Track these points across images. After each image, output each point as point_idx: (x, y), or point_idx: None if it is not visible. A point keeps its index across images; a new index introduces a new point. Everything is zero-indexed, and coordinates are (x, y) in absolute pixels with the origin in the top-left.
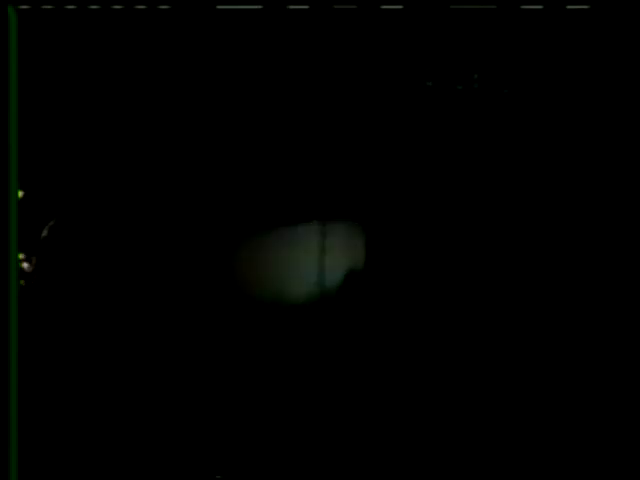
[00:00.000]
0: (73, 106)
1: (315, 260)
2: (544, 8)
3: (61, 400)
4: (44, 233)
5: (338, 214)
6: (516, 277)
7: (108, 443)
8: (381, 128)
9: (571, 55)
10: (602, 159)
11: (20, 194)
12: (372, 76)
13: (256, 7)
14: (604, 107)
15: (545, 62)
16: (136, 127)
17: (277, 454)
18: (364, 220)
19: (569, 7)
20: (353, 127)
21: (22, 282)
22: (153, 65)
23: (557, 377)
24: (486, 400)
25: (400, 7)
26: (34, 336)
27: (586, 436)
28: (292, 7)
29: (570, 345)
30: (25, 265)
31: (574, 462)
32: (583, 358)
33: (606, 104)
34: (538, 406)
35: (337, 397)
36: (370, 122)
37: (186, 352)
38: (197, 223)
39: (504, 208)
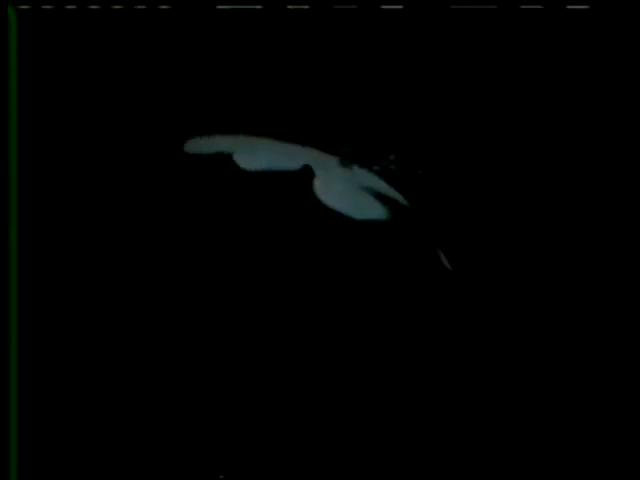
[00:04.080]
0: (73, 106)
1: None
2: (544, 8)
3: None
4: None
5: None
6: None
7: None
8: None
9: (570, 55)
10: (601, 167)
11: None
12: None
13: (256, 7)
14: (603, 108)
15: (544, 62)
16: (135, 127)
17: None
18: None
19: (569, 7)
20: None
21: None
22: (153, 65)
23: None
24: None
25: (400, 7)
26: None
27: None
28: (292, 7)
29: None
30: None
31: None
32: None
33: (605, 105)
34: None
35: None
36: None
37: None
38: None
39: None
